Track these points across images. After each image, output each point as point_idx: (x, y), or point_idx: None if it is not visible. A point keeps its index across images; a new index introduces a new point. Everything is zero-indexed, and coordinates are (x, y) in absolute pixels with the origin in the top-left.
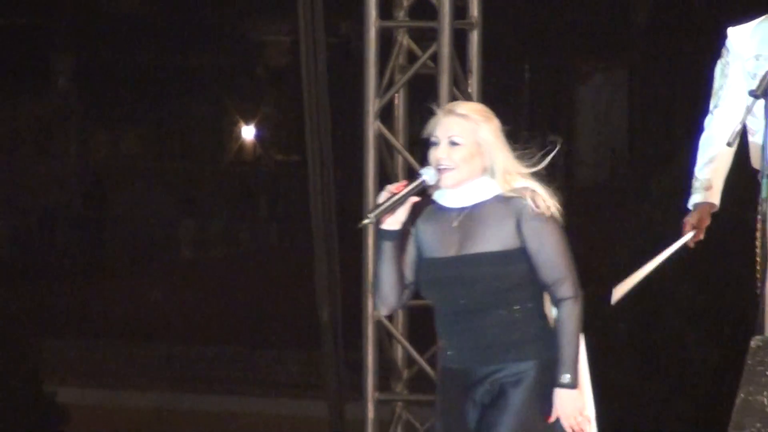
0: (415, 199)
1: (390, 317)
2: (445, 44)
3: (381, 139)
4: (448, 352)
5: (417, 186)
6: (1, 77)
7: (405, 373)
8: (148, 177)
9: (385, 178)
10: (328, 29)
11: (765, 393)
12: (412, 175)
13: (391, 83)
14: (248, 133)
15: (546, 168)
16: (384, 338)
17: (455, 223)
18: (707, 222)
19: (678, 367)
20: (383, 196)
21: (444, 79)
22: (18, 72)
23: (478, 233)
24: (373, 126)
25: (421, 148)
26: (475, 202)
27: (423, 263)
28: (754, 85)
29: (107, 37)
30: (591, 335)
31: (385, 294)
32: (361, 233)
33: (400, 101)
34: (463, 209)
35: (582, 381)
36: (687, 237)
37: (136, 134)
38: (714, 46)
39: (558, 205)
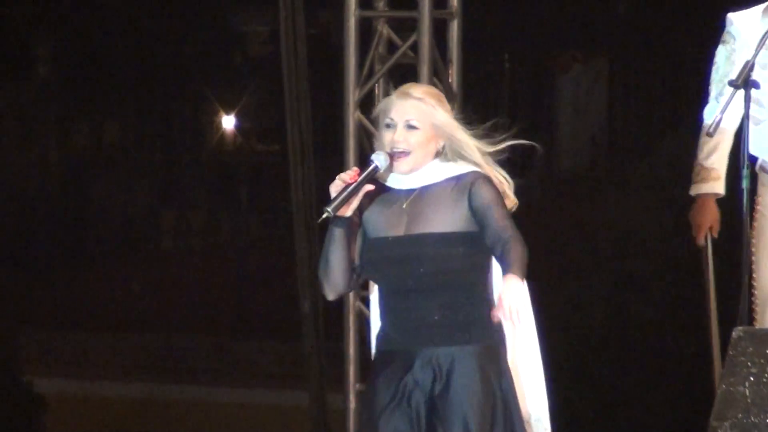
0: (369, 187)
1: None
2: (424, 34)
3: (361, 128)
4: (391, 334)
5: (371, 173)
6: None
7: None
8: (128, 166)
9: (365, 166)
10: (308, 19)
11: (746, 384)
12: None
13: (371, 73)
14: (228, 122)
15: (525, 157)
16: (365, 329)
17: (404, 205)
18: (717, 214)
19: (655, 358)
20: (337, 186)
21: (424, 68)
22: None
23: (428, 214)
24: (353, 116)
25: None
26: (426, 184)
27: (369, 243)
28: (765, 75)
29: (88, 25)
30: (569, 329)
31: (335, 279)
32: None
33: (380, 91)
34: (412, 190)
35: (531, 342)
36: (709, 246)
37: (117, 123)
38: (696, 35)
39: (511, 188)
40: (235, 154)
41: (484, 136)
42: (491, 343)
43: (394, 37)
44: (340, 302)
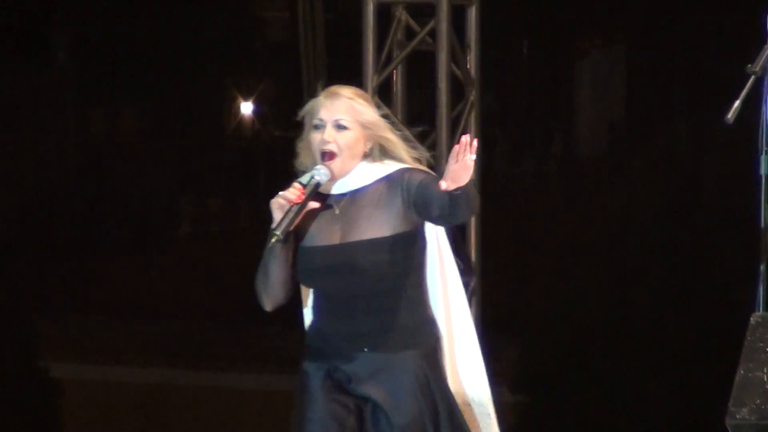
0: (314, 205)
1: None
2: (443, 20)
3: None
4: (327, 334)
5: (314, 189)
6: None
7: None
8: (147, 152)
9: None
10: (326, 5)
11: (765, 369)
12: None
13: (389, 59)
14: (247, 108)
15: (544, 142)
16: None
17: (337, 211)
18: None
19: (654, 346)
20: (280, 205)
21: (442, 55)
22: (16, 46)
23: (362, 220)
24: None
25: (419, 123)
26: (357, 187)
27: (304, 252)
28: None
29: (106, 11)
30: (568, 319)
31: (275, 293)
32: None
33: (398, 77)
34: (343, 195)
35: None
36: None
37: (135, 110)
38: (713, 21)
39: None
40: (253, 139)
41: (408, 139)
42: (428, 345)
43: (413, 24)
44: None
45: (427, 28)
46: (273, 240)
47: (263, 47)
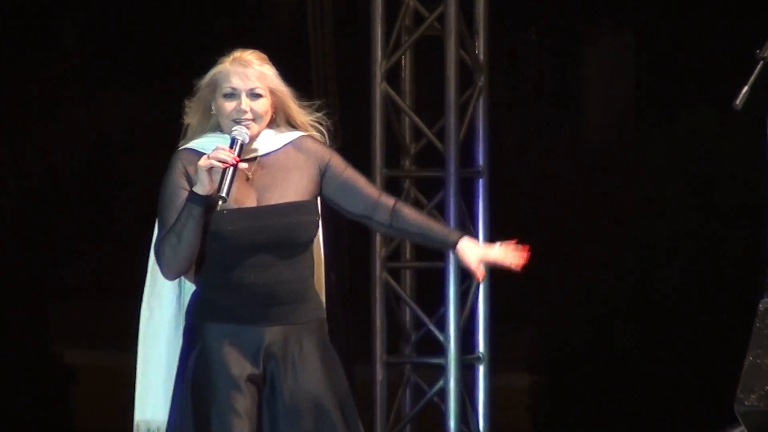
0: (243, 165)
1: (397, 279)
2: (451, 5)
3: (388, 100)
4: (232, 309)
5: (241, 149)
6: (7, 37)
7: (413, 336)
8: (155, 140)
9: (392, 139)
10: None
11: None
12: (420, 136)
13: (397, 45)
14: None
15: (553, 128)
16: (392, 300)
17: (249, 174)
18: None
19: (671, 330)
20: (213, 164)
21: (450, 40)
22: (24, 32)
23: (277, 183)
24: (380, 87)
25: (427, 109)
26: (264, 152)
27: (219, 215)
28: None
29: None
30: (593, 301)
31: (183, 260)
32: None
33: (406, 63)
34: (251, 160)
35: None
36: None
37: (143, 97)
38: (724, 7)
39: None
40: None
41: (302, 104)
42: (322, 318)
43: (421, 9)
44: (367, 273)
45: (436, 13)
46: (220, 203)
47: (272, 34)
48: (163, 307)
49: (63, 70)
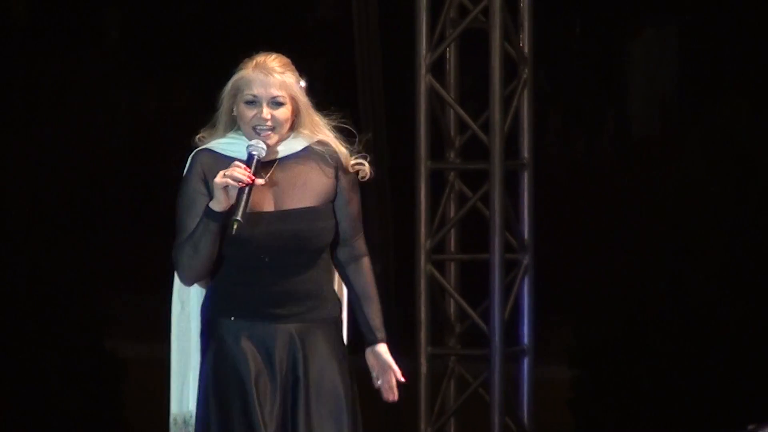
0: (261, 182)
1: (442, 271)
2: None
3: (432, 93)
4: (245, 306)
5: (257, 166)
6: (51, 30)
7: (457, 328)
8: (199, 132)
9: (436, 132)
10: None
11: None
12: (464, 128)
13: (442, 37)
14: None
15: (597, 121)
16: (436, 292)
17: (266, 179)
18: None
19: (710, 323)
20: (227, 183)
21: (495, 33)
22: (68, 24)
23: (297, 188)
24: (424, 80)
25: (472, 101)
26: (283, 155)
27: (230, 225)
28: None
29: None
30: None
31: (201, 268)
32: (413, 187)
33: (451, 55)
34: (270, 163)
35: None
36: None
37: (187, 86)
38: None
39: (359, 160)
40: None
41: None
42: (335, 319)
43: (466, 1)
44: (411, 266)
45: (480, 6)
46: (235, 227)
47: (316, 25)
48: (191, 300)
49: (107, 61)
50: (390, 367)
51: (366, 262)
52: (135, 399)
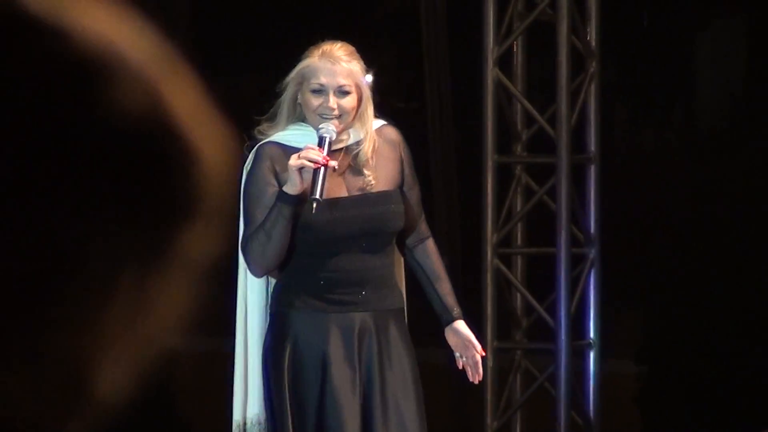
0: (334, 163)
1: (508, 265)
2: None
3: (499, 86)
4: (319, 296)
5: (330, 147)
6: None
7: (524, 322)
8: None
9: (504, 125)
10: None
11: None
12: (531, 122)
13: (509, 30)
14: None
15: (664, 114)
16: (503, 286)
17: (336, 165)
18: None
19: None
20: (304, 164)
21: (562, 26)
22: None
23: (367, 173)
24: (491, 73)
25: (538, 94)
26: (350, 142)
27: (307, 206)
28: None
29: None
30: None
31: (273, 258)
32: (480, 181)
33: (518, 48)
34: (337, 151)
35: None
36: None
37: (255, 80)
38: None
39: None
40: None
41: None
42: (402, 306)
43: None
44: (478, 260)
45: None
46: (315, 206)
47: (383, 17)
48: (254, 301)
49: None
50: (470, 342)
51: (431, 242)
52: (185, 390)
